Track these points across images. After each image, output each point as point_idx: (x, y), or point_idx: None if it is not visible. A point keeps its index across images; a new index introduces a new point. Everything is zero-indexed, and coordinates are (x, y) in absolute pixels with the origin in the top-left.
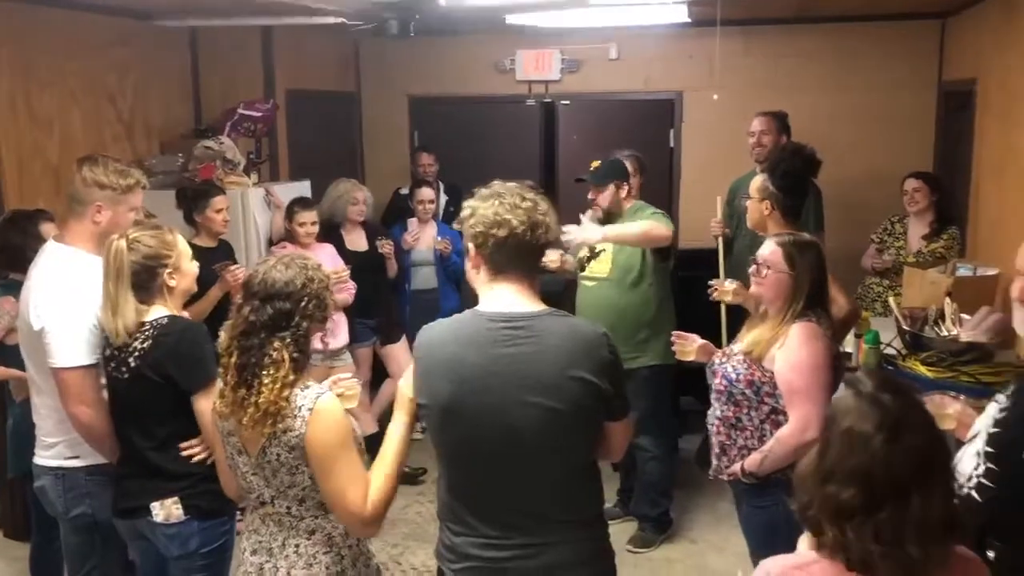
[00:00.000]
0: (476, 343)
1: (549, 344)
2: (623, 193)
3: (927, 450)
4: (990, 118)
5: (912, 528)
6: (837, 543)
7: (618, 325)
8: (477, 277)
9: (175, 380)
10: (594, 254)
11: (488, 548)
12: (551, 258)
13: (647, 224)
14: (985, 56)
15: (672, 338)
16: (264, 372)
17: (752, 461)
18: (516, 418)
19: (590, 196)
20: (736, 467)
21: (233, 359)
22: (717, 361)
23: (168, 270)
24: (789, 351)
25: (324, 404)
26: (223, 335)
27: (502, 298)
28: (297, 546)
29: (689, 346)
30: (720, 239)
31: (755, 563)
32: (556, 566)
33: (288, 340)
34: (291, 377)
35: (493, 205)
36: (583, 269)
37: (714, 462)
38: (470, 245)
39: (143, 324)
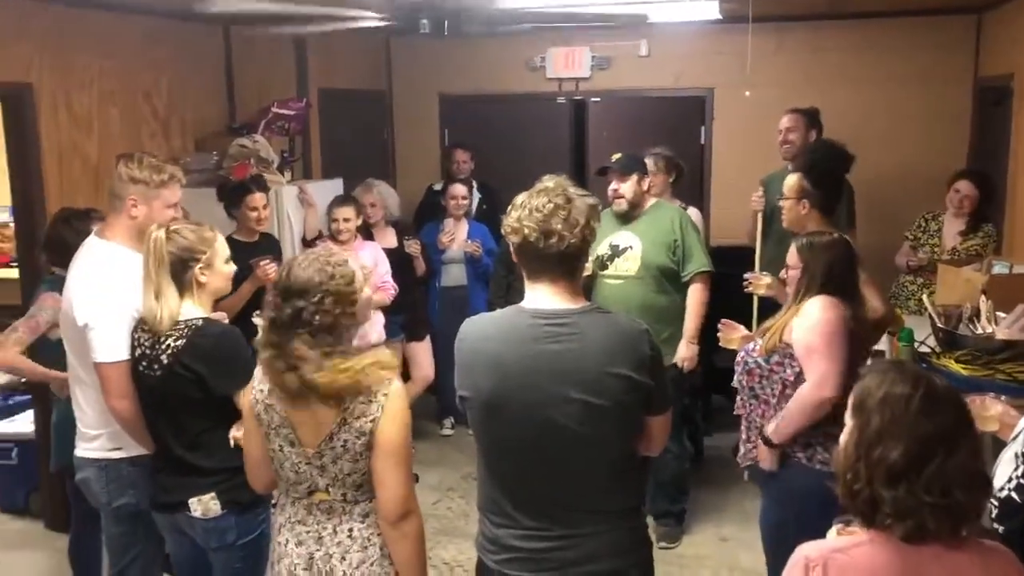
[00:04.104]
0: (518, 339)
1: (591, 340)
2: (644, 187)
3: (959, 403)
4: None
5: (958, 475)
6: (896, 509)
7: (647, 324)
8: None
9: (206, 380)
10: (617, 252)
11: (529, 539)
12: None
13: (696, 300)
14: (1023, 51)
15: (719, 324)
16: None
17: (770, 428)
18: (557, 413)
19: (613, 186)
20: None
21: (267, 353)
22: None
23: (200, 265)
24: (806, 317)
25: (397, 389)
26: (261, 331)
27: (544, 296)
28: (350, 530)
29: (734, 334)
30: (760, 215)
31: (768, 559)
32: (596, 556)
33: (306, 337)
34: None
35: (532, 216)
36: (604, 268)
37: (742, 436)
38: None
39: (177, 322)
